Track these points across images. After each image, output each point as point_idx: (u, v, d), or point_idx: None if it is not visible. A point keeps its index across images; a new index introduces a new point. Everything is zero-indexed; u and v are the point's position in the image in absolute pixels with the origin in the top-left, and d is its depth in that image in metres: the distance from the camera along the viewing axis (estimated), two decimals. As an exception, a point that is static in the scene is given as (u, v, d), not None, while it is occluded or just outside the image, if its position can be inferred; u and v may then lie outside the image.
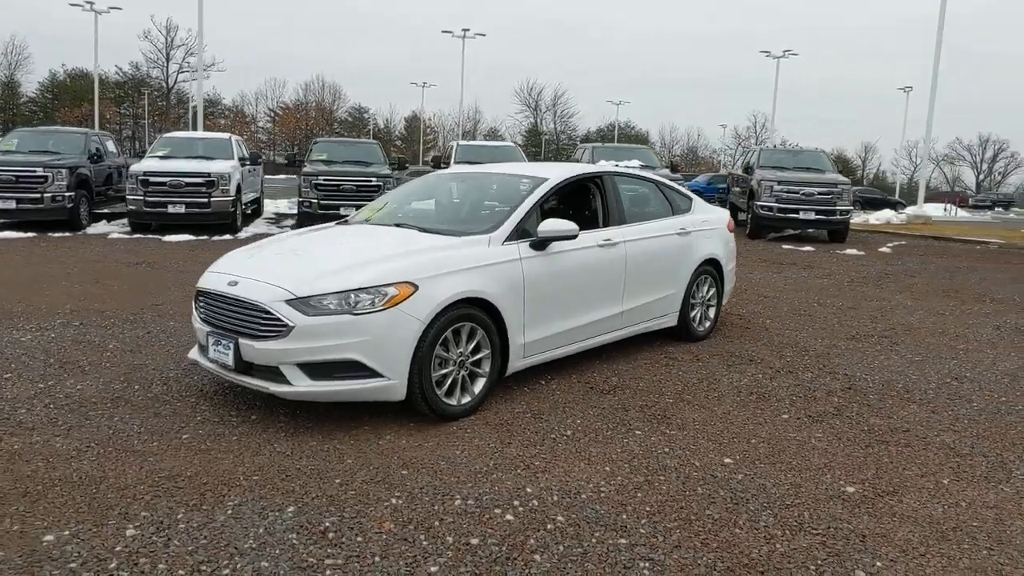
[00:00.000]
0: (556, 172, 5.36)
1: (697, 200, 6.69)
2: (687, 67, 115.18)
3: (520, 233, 4.76)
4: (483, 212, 5.24)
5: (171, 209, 13.25)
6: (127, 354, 5.52)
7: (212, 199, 13.38)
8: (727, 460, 3.86)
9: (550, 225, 4.76)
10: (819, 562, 2.89)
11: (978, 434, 4.33)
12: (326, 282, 4.04)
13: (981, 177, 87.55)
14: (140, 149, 49.90)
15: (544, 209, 5.28)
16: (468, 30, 45.85)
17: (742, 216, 17.30)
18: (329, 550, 2.88)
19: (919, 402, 4.89)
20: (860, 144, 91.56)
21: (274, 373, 4.03)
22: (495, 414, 4.44)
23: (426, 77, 71.05)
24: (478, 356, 4.41)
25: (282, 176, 42.79)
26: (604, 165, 5.66)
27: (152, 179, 13.23)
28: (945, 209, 38.60)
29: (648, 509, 3.29)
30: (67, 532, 2.97)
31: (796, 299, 8.64)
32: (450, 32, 46.22)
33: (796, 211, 15.23)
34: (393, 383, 4.03)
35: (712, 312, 6.55)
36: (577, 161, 18.03)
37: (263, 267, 4.35)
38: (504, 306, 4.47)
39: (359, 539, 2.97)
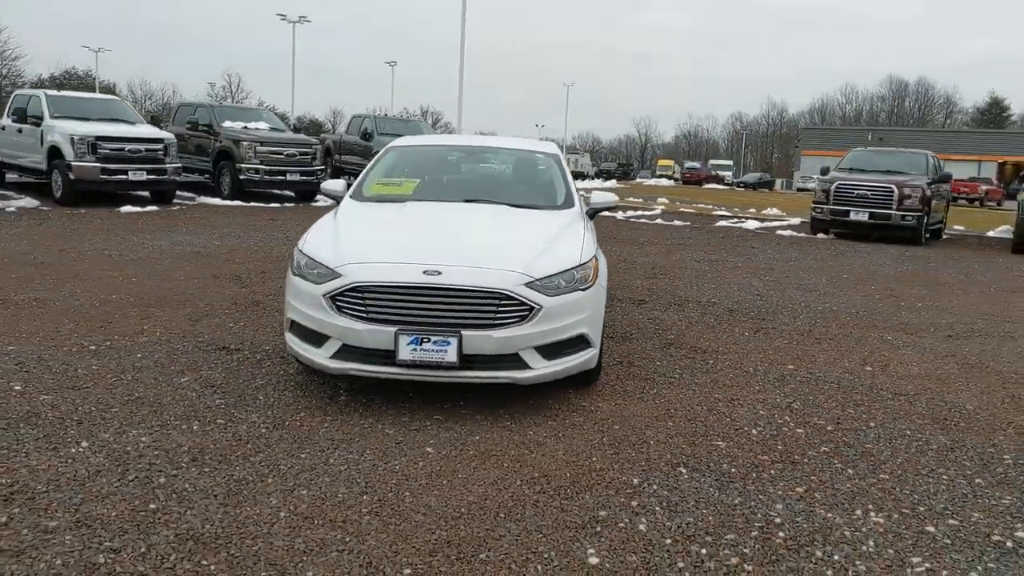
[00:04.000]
0: (554, 148, 5.78)
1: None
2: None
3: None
4: (536, 187, 5.36)
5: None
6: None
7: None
8: (790, 366, 5.22)
9: (602, 197, 5.29)
10: (947, 402, 4.53)
11: (847, 325, 6.56)
12: (550, 262, 4.00)
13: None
14: None
15: None
16: None
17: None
18: (791, 487, 3.35)
19: (780, 313, 6.98)
20: (330, 109, 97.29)
21: (511, 360, 3.85)
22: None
23: None
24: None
25: None
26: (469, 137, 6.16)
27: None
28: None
29: (855, 406, 4.47)
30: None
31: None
32: None
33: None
34: (596, 352, 4.24)
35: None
36: (190, 120, 16.12)
37: (453, 252, 3.94)
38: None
39: (766, 475, 3.48)
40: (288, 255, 4.63)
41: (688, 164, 69.84)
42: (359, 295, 3.81)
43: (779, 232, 15.06)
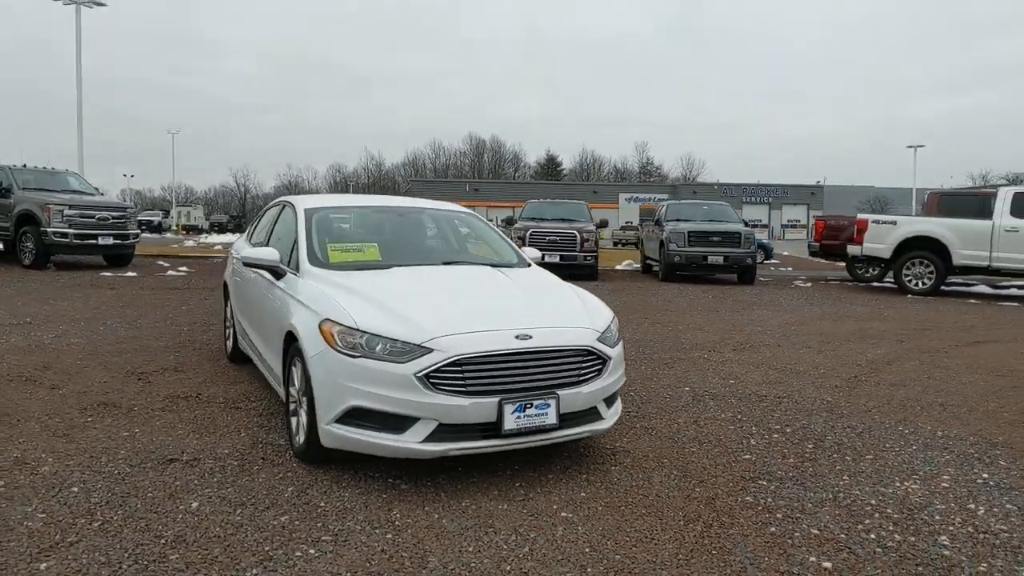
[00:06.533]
0: (463, 207, 5.85)
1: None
2: None
3: None
4: (487, 246, 5.35)
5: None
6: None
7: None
8: (686, 388, 6.10)
9: (534, 253, 5.55)
10: (814, 399, 5.82)
11: (667, 350, 7.71)
12: (598, 317, 4.21)
13: None
14: None
15: None
16: None
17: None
18: (840, 477, 4.11)
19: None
20: None
21: (592, 414, 3.99)
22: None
23: None
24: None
25: None
26: None
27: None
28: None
29: (771, 411, 5.44)
30: None
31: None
32: None
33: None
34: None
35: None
36: None
37: (526, 314, 3.91)
38: None
39: (814, 473, 4.22)
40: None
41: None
42: (458, 369, 3.58)
43: (484, 277, 16.40)
